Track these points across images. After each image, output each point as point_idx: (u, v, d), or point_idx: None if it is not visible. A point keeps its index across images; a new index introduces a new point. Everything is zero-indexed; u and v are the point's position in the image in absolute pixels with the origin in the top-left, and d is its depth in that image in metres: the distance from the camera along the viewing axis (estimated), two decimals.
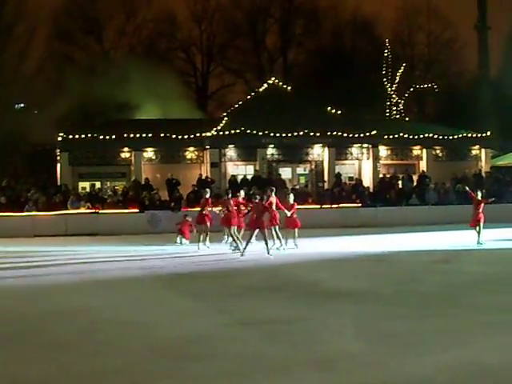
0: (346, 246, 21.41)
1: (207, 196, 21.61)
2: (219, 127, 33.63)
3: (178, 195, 30.19)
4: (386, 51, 50.97)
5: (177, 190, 30.69)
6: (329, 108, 36.67)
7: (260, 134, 33.45)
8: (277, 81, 38.39)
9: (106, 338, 9.02)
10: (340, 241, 23.34)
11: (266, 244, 18.44)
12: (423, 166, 35.99)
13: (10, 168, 39.05)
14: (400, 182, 34.30)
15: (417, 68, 57.47)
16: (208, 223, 20.96)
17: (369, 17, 56.06)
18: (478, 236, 20.39)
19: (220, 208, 21.58)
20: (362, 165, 35.68)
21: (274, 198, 20.07)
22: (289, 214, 20.76)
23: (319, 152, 35.06)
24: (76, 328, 9.68)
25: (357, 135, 34.65)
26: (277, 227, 20.29)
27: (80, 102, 38.90)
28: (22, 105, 45.56)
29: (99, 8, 51.71)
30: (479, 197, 20.86)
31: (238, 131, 33.25)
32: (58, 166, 34.16)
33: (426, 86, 52.72)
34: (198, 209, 22.12)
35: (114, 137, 33.02)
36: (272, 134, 33.67)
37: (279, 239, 20.33)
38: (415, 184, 34.11)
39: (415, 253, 19.14)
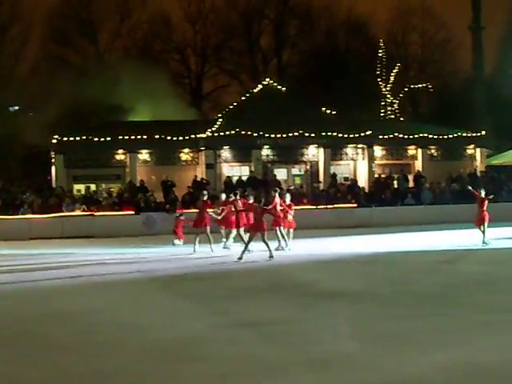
0: (341, 247, 21.42)
1: (205, 198, 21.39)
2: (214, 128, 33.64)
3: (173, 197, 30.17)
4: (380, 51, 51.06)
5: (172, 192, 30.68)
6: (323, 108, 36.69)
7: (255, 134, 33.46)
8: (271, 82, 38.40)
9: (104, 339, 9.02)
10: (335, 241, 23.33)
11: (267, 246, 18.04)
12: (418, 165, 36.05)
13: (5, 171, 38.96)
14: (396, 182, 34.34)
15: (411, 68, 57.53)
16: (208, 226, 20.84)
17: (363, 17, 56.15)
18: (483, 235, 20.28)
19: (217, 209, 21.54)
20: (357, 165, 35.72)
21: (278, 199, 20.04)
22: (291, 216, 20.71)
23: (314, 152, 35.08)
24: (74, 330, 9.67)
25: (352, 135, 34.69)
26: (281, 228, 20.22)
27: (74, 104, 38.87)
28: (16, 107, 45.46)
29: (94, 10, 51.68)
30: (482, 195, 20.82)
31: (232, 132, 33.26)
32: (53, 168, 34.12)
33: (420, 86, 52.83)
34: (195, 210, 22.02)
35: (108, 139, 33.03)
36: (267, 135, 33.68)
37: (284, 240, 20.26)
38: (411, 184, 34.17)
39: (411, 253, 19.15)
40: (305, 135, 34.00)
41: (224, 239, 21.54)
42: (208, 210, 21.23)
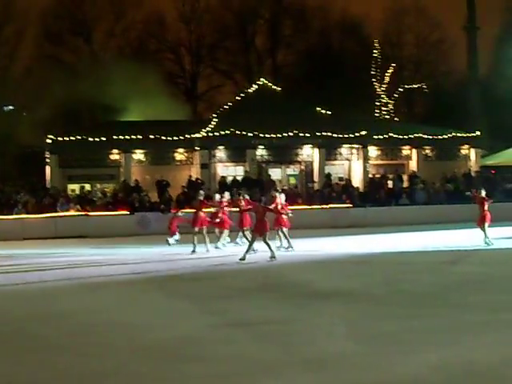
0: (335, 247, 21.41)
1: (202, 198, 21.29)
2: (209, 128, 33.63)
3: (167, 197, 30.14)
4: (375, 52, 51.10)
5: (166, 192, 30.66)
6: (318, 108, 36.73)
7: (250, 134, 33.46)
8: (266, 82, 38.43)
9: (99, 339, 8.99)
10: (330, 241, 23.34)
11: (269, 247, 17.72)
12: (413, 165, 36.11)
13: None
14: (391, 182, 34.38)
15: (406, 68, 57.64)
16: (204, 226, 20.76)
17: (357, 17, 56.29)
18: (485, 235, 20.21)
19: (218, 208, 21.54)
20: (352, 165, 35.75)
21: (279, 199, 20.00)
22: (290, 214, 20.68)
23: (309, 153, 35.11)
24: (69, 330, 9.63)
25: (346, 136, 34.72)
26: (283, 228, 20.18)
27: (69, 104, 38.82)
28: (10, 107, 45.38)
29: (88, 9, 51.67)
30: (483, 194, 20.79)
31: (227, 132, 33.26)
32: (47, 168, 34.05)
33: (415, 86, 52.90)
34: (192, 210, 21.95)
35: (103, 139, 33.01)
36: (262, 135, 33.69)
37: (287, 240, 20.23)
38: (405, 184, 34.20)
39: (405, 253, 19.15)
40: (299, 135, 34.03)
41: (222, 239, 21.59)
42: (205, 209, 21.23)
